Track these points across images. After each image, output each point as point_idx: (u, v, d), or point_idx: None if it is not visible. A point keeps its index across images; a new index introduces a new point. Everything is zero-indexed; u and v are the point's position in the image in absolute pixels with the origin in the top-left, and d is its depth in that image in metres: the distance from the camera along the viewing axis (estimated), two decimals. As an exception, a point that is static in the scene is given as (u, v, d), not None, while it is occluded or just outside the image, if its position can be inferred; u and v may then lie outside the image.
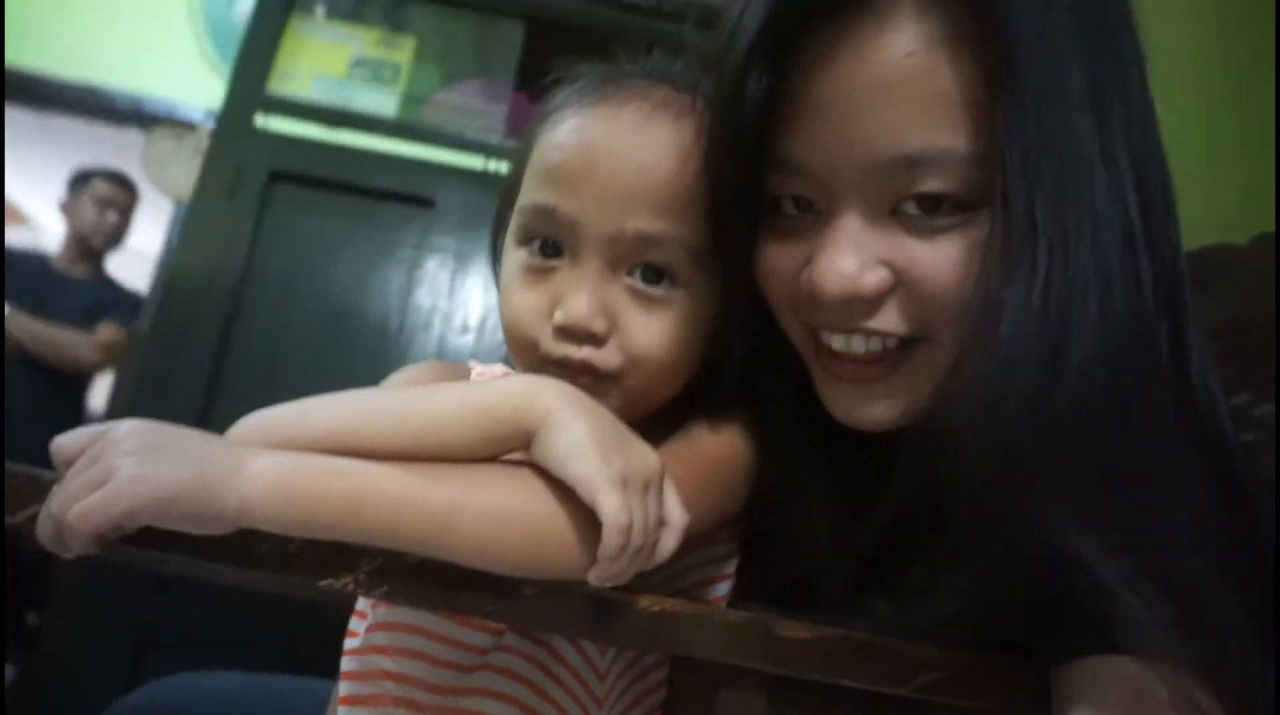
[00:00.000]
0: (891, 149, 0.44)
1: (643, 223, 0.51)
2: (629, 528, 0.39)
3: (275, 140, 1.57)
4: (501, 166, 1.56)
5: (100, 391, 2.63)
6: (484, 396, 0.44)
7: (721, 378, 0.56)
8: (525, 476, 0.43)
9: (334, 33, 1.65)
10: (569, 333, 0.51)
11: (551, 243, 0.53)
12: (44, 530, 0.37)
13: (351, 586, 0.41)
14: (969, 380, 0.42)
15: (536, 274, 0.53)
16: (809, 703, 0.45)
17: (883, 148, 0.44)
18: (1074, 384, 0.41)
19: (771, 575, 0.57)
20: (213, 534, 0.38)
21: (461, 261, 1.55)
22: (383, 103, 1.63)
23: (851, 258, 0.46)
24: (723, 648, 0.43)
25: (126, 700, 0.74)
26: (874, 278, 0.46)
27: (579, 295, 0.51)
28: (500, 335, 0.57)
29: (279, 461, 0.39)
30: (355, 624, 0.57)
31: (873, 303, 0.47)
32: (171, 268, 1.52)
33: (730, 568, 0.58)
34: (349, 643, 0.57)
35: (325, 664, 0.62)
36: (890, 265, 0.46)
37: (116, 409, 1.48)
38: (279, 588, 0.40)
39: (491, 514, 0.41)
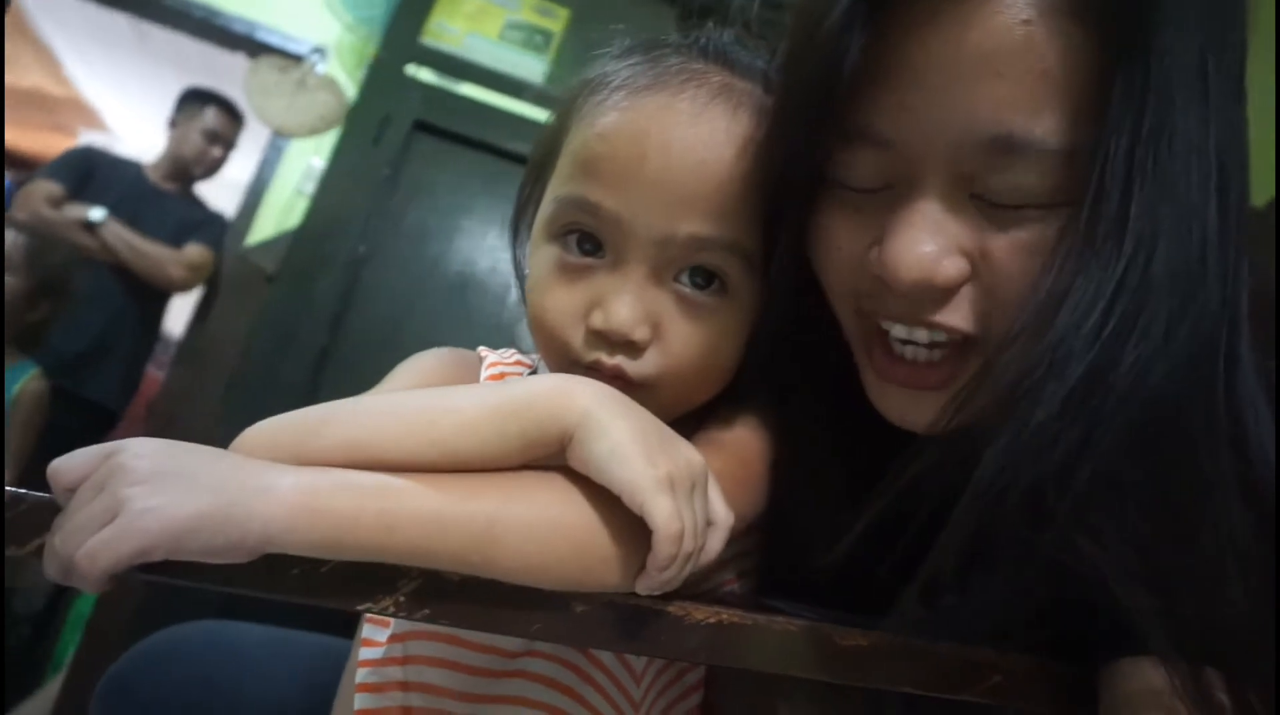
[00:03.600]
0: (991, 126, 0.39)
1: (697, 226, 0.46)
2: (681, 535, 0.37)
3: (424, 90, 1.58)
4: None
5: (178, 312, 2.65)
6: (513, 399, 0.40)
7: (750, 372, 0.53)
8: (563, 484, 0.40)
9: (491, -7, 1.65)
10: (606, 338, 0.47)
11: (591, 238, 0.48)
12: (50, 566, 0.33)
13: (392, 610, 0.38)
14: (1012, 373, 0.39)
15: (572, 271, 0.49)
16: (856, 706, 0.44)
17: (983, 124, 0.39)
18: (1127, 388, 0.38)
19: (800, 569, 0.53)
20: (235, 562, 0.34)
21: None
22: (531, 68, 1.63)
23: (931, 243, 0.42)
24: (782, 658, 0.42)
25: (145, 642, 0.72)
26: (952, 267, 0.42)
27: (622, 300, 0.47)
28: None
29: (301, 481, 0.35)
30: (372, 632, 0.54)
31: (945, 294, 0.43)
32: (310, 205, 1.53)
33: (748, 563, 0.55)
34: (365, 652, 0.53)
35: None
36: (968, 256, 0.42)
37: (242, 348, 1.48)
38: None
39: (533, 527, 0.38)
